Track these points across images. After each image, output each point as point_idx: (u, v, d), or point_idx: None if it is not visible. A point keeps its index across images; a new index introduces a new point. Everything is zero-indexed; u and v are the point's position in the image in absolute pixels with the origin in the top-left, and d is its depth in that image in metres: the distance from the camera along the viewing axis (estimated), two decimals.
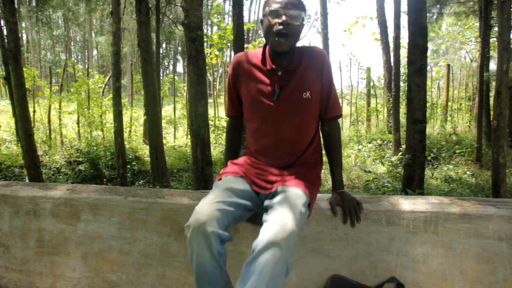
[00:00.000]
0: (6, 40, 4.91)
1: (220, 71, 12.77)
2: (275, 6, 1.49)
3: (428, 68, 11.56)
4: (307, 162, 1.67)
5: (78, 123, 8.77)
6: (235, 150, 1.90)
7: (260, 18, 1.59)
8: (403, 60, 9.25)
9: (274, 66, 1.59)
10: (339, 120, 13.52)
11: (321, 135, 1.77)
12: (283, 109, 1.59)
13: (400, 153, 6.36)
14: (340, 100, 12.51)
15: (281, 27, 1.47)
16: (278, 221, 1.29)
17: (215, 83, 11.46)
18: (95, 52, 33.72)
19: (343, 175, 6.74)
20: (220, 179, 1.60)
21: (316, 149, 1.73)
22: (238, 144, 1.91)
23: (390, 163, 6.75)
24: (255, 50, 1.68)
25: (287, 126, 1.61)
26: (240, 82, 1.67)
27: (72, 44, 35.50)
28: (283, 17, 1.47)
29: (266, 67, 1.60)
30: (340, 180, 1.73)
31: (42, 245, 1.94)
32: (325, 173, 6.77)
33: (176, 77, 14.20)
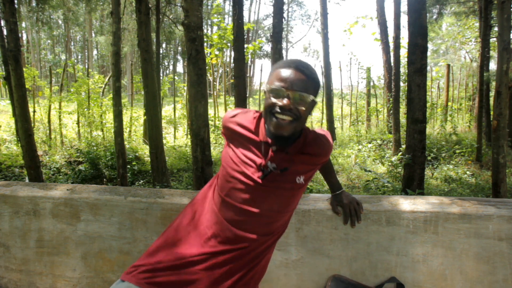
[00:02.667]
0: (6, 40, 4.91)
1: (220, 71, 12.77)
2: (277, 84, 1.21)
3: (428, 68, 11.56)
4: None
5: (78, 123, 8.77)
6: None
7: (264, 86, 1.30)
8: (403, 60, 9.26)
9: (269, 140, 1.32)
10: (340, 121, 13.40)
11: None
12: (266, 190, 1.31)
13: (400, 153, 6.36)
14: (340, 100, 12.35)
15: (280, 111, 1.20)
16: None
17: (215, 83, 11.46)
18: (95, 52, 33.73)
19: (343, 175, 6.76)
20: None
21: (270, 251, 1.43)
22: None
23: (390, 163, 6.75)
24: (247, 113, 1.40)
25: (265, 210, 1.33)
26: (230, 143, 1.41)
27: (72, 44, 35.51)
28: (285, 100, 1.19)
29: (258, 137, 1.34)
30: (336, 182, 1.69)
31: (42, 245, 1.94)
32: None
33: (176, 77, 14.21)
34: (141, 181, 6.11)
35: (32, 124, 6.39)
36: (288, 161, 1.31)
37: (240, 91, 5.96)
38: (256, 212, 1.30)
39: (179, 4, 9.50)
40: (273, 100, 1.21)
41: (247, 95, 7.94)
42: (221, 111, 11.63)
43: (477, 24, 10.64)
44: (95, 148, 6.96)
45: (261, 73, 13.51)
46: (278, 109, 1.20)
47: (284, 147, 1.31)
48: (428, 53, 4.99)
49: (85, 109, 8.60)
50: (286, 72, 1.21)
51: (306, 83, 1.20)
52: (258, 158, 1.32)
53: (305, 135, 1.36)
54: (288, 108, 1.19)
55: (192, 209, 1.42)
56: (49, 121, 8.47)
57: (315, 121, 12.53)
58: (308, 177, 1.37)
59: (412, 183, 4.49)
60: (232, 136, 1.38)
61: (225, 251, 1.28)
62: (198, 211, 1.39)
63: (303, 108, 1.21)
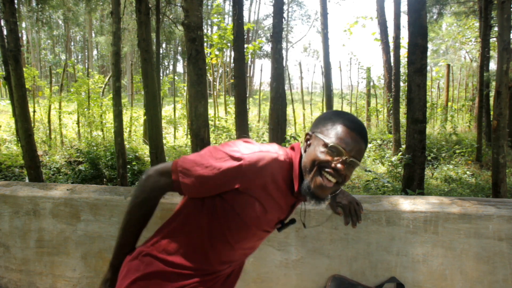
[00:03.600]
0: (6, 40, 4.91)
1: (220, 71, 12.77)
2: (339, 143, 1.09)
3: (428, 68, 11.57)
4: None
5: (78, 123, 8.77)
6: (140, 232, 1.25)
7: (311, 132, 1.18)
8: (403, 60, 9.26)
9: (303, 197, 1.20)
10: None
11: None
12: (262, 238, 1.30)
13: (400, 153, 6.36)
14: (340, 100, 12.36)
15: (332, 172, 1.10)
16: None
17: (215, 83, 11.46)
18: (95, 52, 33.74)
19: None
20: None
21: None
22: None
23: (390, 163, 6.75)
24: (277, 157, 1.15)
25: (257, 245, 1.33)
26: (248, 191, 1.14)
27: (72, 44, 35.51)
28: (340, 165, 1.08)
29: (289, 190, 1.19)
30: None
31: (42, 245, 1.94)
32: None
33: (176, 77, 14.21)
34: None
35: (32, 124, 6.39)
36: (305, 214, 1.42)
37: (240, 91, 5.96)
38: (249, 249, 1.29)
39: (179, 4, 9.50)
40: (328, 157, 1.09)
41: (247, 95, 7.94)
42: (221, 111, 11.63)
43: (477, 24, 10.64)
44: (95, 148, 6.96)
45: (261, 73, 13.51)
46: (330, 170, 1.09)
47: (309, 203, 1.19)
48: (428, 53, 5.00)
49: (85, 109, 8.60)
50: (352, 136, 1.11)
51: (363, 153, 1.14)
52: (282, 210, 1.22)
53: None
54: (343, 174, 1.10)
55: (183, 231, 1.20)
56: (49, 121, 8.48)
57: None
58: None
59: (412, 183, 4.49)
60: (258, 188, 1.14)
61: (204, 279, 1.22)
62: (185, 240, 1.19)
63: (350, 175, 1.13)
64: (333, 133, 1.11)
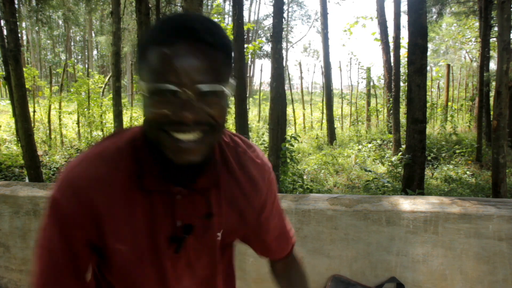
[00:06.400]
0: (6, 40, 4.91)
1: None
2: (164, 78, 0.62)
3: (428, 68, 11.56)
4: None
5: (78, 123, 8.78)
6: None
7: (140, 80, 0.67)
8: (403, 60, 9.25)
9: (168, 185, 0.72)
10: (340, 121, 13.41)
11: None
12: (186, 262, 0.79)
13: (400, 153, 6.36)
14: (340, 100, 12.35)
15: (179, 128, 0.63)
16: None
17: None
18: (95, 52, 33.75)
19: (343, 175, 6.76)
20: None
21: None
22: None
23: (390, 163, 6.76)
24: (101, 154, 0.72)
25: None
26: (100, 226, 0.71)
27: (72, 44, 35.51)
28: (186, 112, 0.61)
29: (147, 187, 0.71)
30: None
31: None
32: (325, 173, 6.77)
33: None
34: None
35: (32, 124, 6.39)
36: (203, 207, 0.75)
37: (240, 91, 5.96)
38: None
39: (179, 4, 9.50)
40: (161, 109, 0.62)
41: (247, 95, 7.94)
42: None
43: (477, 24, 10.64)
44: None
45: (261, 73, 13.51)
46: (175, 126, 0.63)
47: (191, 184, 0.73)
48: (428, 53, 5.00)
49: (85, 109, 8.60)
50: (176, 52, 0.62)
51: (215, 62, 0.64)
52: (156, 224, 0.73)
53: (220, 149, 0.80)
54: (197, 121, 0.63)
55: None
56: (49, 121, 8.48)
57: (315, 121, 12.55)
58: (230, 232, 0.82)
59: (412, 183, 4.49)
60: (99, 207, 0.70)
61: None
62: None
63: (219, 109, 0.65)
64: (149, 68, 0.63)
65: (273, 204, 0.90)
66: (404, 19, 14.21)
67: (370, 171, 6.02)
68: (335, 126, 10.52)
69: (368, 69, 11.74)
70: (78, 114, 8.70)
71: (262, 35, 34.83)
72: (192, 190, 0.74)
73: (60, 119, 8.62)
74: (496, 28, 6.50)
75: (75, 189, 0.69)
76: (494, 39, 8.18)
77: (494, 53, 9.77)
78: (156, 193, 0.72)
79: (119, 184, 0.70)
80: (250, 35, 29.88)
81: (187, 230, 0.74)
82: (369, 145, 8.48)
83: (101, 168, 0.70)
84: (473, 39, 12.82)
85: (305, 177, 6.11)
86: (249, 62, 23.09)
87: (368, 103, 11.92)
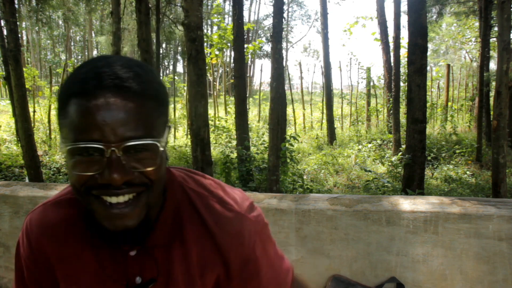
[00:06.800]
0: (6, 40, 4.91)
1: (220, 71, 12.78)
2: (82, 136, 0.53)
3: (428, 68, 11.57)
4: None
5: None
6: None
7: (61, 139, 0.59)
8: (403, 60, 9.26)
9: (116, 242, 0.66)
10: (340, 121, 13.45)
11: None
12: None
13: (400, 153, 6.36)
14: (340, 100, 12.37)
15: (109, 190, 0.56)
16: None
17: (215, 83, 11.47)
18: (95, 52, 33.76)
19: (343, 175, 6.76)
20: None
21: None
22: None
23: (390, 163, 6.76)
24: (61, 202, 0.72)
25: None
26: (53, 270, 0.71)
27: (72, 44, 35.52)
28: (112, 173, 0.53)
29: (94, 243, 0.67)
30: None
31: None
32: (325, 173, 6.77)
33: (176, 77, 14.21)
34: None
35: (32, 124, 6.39)
36: (155, 265, 0.66)
37: (240, 91, 5.96)
38: None
39: (179, 4, 9.50)
40: (86, 172, 0.55)
41: (247, 95, 7.94)
42: (221, 111, 11.64)
43: (477, 24, 10.64)
44: None
45: (261, 73, 13.52)
46: (103, 190, 0.56)
47: (143, 241, 0.65)
48: (428, 53, 5.00)
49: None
50: (98, 102, 0.53)
51: (145, 113, 0.56)
52: (107, 277, 0.67)
53: (172, 198, 0.67)
54: (125, 184, 0.55)
55: None
56: (49, 121, 8.48)
57: (315, 121, 12.55)
58: None
59: (412, 183, 4.49)
60: (46, 257, 0.70)
61: None
62: None
63: (153, 166, 0.57)
64: (69, 125, 0.55)
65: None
66: (404, 19, 14.22)
67: (370, 171, 6.02)
68: (335, 126, 10.53)
69: (368, 69, 11.74)
70: None
71: (262, 35, 34.84)
72: (144, 247, 0.65)
73: None
74: (496, 28, 6.50)
75: (28, 235, 0.71)
76: (494, 39, 8.18)
77: (494, 53, 9.77)
78: (106, 249, 0.66)
79: (71, 234, 0.68)
80: (250, 35, 29.88)
81: (150, 283, 0.66)
82: (369, 145, 8.48)
83: (54, 216, 0.70)
84: (473, 39, 12.82)
85: (305, 177, 6.11)
86: (249, 62, 23.09)
87: (368, 103, 11.93)
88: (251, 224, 0.68)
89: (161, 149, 0.58)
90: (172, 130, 10.53)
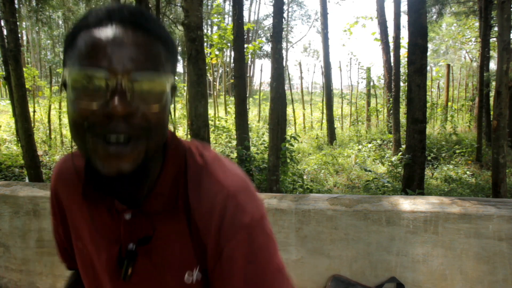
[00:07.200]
0: (6, 40, 4.91)
1: (220, 71, 12.78)
2: (88, 62, 0.52)
3: (428, 68, 11.58)
4: None
5: None
6: None
7: (71, 67, 0.54)
8: (403, 60, 9.26)
9: (111, 200, 0.63)
10: (340, 121, 13.47)
11: None
12: None
13: (400, 153, 6.36)
14: (340, 100, 12.40)
15: (105, 126, 0.52)
16: None
17: (215, 83, 11.47)
18: None
19: (343, 175, 6.76)
20: None
21: None
22: None
23: (390, 163, 6.76)
24: (75, 156, 0.72)
25: None
26: (66, 217, 0.74)
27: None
28: (116, 101, 0.50)
29: (88, 197, 0.65)
30: None
31: (42, 245, 1.94)
32: (325, 173, 6.77)
33: (176, 77, 14.21)
34: None
35: (32, 124, 6.39)
36: (148, 232, 0.62)
37: (240, 91, 5.96)
38: None
39: (179, 4, 9.50)
40: (87, 102, 0.52)
41: (247, 95, 7.94)
42: (221, 111, 11.64)
43: (477, 24, 10.64)
44: None
45: (261, 73, 13.52)
46: (102, 125, 0.52)
47: (138, 204, 0.62)
48: (428, 53, 5.01)
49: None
50: (109, 33, 0.52)
51: (154, 51, 0.54)
52: (104, 241, 0.65)
53: (173, 160, 0.64)
54: (124, 116, 0.51)
55: None
56: (49, 121, 8.48)
57: (315, 121, 12.56)
58: (216, 272, 0.59)
59: (412, 183, 4.49)
60: (63, 201, 0.73)
61: None
62: None
63: (156, 107, 0.54)
64: (76, 54, 0.53)
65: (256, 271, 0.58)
66: (404, 19, 14.23)
67: (370, 171, 6.02)
68: (335, 126, 10.53)
69: (368, 69, 11.74)
70: None
71: (262, 35, 34.84)
72: (140, 211, 0.61)
73: (60, 119, 8.62)
74: (496, 28, 6.50)
75: (51, 180, 0.75)
76: (494, 39, 8.19)
77: (494, 53, 9.78)
78: (102, 207, 0.64)
79: (77, 186, 0.66)
80: (250, 35, 29.88)
81: (130, 257, 0.62)
82: (369, 145, 8.48)
83: (69, 165, 0.71)
84: (473, 39, 12.82)
85: (305, 177, 6.11)
86: (249, 62, 23.10)
87: (368, 103, 11.93)
88: (238, 211, 0.57)
89: (168, 90, 0.56)
90: (172, 129, 10.52)
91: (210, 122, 7.34)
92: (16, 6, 6.18)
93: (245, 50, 6.76)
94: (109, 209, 0.63)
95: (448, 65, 11.36)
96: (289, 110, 9.37)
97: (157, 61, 0.54)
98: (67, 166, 0.72)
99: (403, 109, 9.45)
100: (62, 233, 0.78)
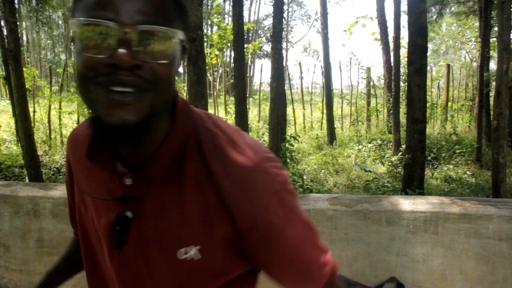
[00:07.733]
0: (6, 40, 4.91)
1: (220, 71, 12.78)
2: (94, 12, 0.51)
3: (428, 68, 11.58)
4: None
5: (78, 123, 8.78)
6: (65, 269, 0.97)
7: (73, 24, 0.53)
8: (403, 60, 9.27)
9: (112, 161, 0.63)
10: (340, 121, 13.48)
11: None
12: (130, 271, 0.64)
13: (400, 153, 6.36)
14: (340, 100, 12.40)
15: (110, 77, 0.51)
16: None
17: (215, 83, 11.47)
18: None
19: (343, 175, 6.76)
20: None
21: None
22: (77, 268, 0.98)
23: (390, 163, 6.76)
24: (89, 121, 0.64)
25: None
26: (74, 180, 0.75)
27: (72, 44, 35.53)
28: (121, 50, 0.49)
29: (90, 157, 0.63)
30: None
31: (42, 245, 1.94)
32: (325, 173, 6.77)
33: (176, 77, 14.19)
34: None
35: (32, 124, 6.39)
36: (147, 200, 0.60)
37: (240, 91, 5.96)
38: None
39: None
40: (94, 52, 0.51)
41: (247, 95, 7.94)
42: (221, 111, 11.63)
43: (477, 24, 10.64)
44: None
45: (261, 73, 13.53)
46: (106, 74, 0.51)
47: (141, 168, 0.60)
48: (428, 53, 5.01)
49: (85, 109, 8.60)
50: None
51: (164, 5, 0.54)
52: (102, 205, 0.65)
53: (182, 124, 0.61)
54: (129, 67, 0.50)
55: None
56: (49, 121, 8.48)
57: (315, 121, 12.56)
58: (216, 246, 0.59)
59: (412, 183, 4.49)
60: (73, 166, 0.74)
61: None
62: None
63: (163, 61, 0.53)
64: (84, 4, 0.53)
65: (281, 233, 0.59)
66: (404, 19, 14.23)
67: (370, 171, 6.02)
68: (335, 126, 10.53)
69: (368, 69, 11.74)
70: (78, 114, 8.70)
71: (262, 35, 34.85)
72: (142, 176, 0.59)
73: (60, 119, 8.62)
74: (496, 28, 6.50)
75: (66, 146, 0.78)
76: (494, 39, 8.19)
77: (494, 53, 9.78)
78: (105, 170, 0.63)
79: (85, 148, 0.64)
80: (250, 35, 29.88)
81: (123, 223, 0.61)
82: (369, 145, 8.48)
83: (83, 129, 0.70)
84: (473, 39, 12.83)
85: (305, 177, 6.11)
86: (249, 62, 23.10)
87: (368, 103, 11.93)
88: (267, 179, 0.58)
89: (176, 46, 0.55)
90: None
91: None
92: (16, 6, 6.18)
93: (245, 50, 6.76)
94: (111, 172, 0.62)
95: (448, 65, 11.36)
96: (289, 110, 9.36)
97: (166, 15, 0.54)
98: (81, 129, 0.72)
99: (403, 109, 9.45)
100: (71, 200, 0.79)
